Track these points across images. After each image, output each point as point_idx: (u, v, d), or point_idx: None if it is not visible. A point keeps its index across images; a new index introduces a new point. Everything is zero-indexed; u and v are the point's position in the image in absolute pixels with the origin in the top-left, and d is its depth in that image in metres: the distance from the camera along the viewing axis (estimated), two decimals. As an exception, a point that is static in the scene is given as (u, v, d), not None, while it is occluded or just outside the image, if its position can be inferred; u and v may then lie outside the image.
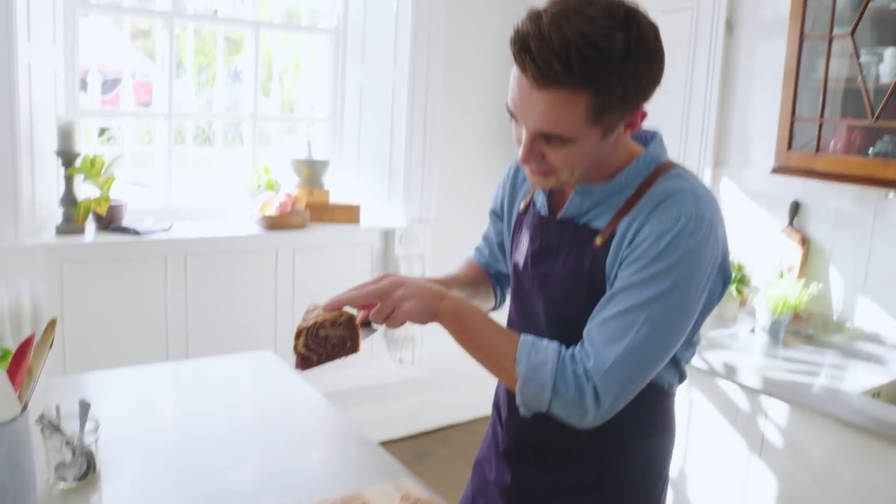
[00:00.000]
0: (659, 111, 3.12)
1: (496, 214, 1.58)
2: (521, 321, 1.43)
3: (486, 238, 1.66)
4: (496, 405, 1.55)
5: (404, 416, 3.81)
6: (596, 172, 1.26)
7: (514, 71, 1.14)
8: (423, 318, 1.23)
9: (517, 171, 1.51)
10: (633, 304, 1.17)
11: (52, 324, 1.23)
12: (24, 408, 1.19)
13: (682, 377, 1.39)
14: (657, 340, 1.19)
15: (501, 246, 1.61)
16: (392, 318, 1.23)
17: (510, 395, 1.41)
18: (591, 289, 1.25)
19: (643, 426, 1.36)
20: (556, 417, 1.21)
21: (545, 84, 1.10)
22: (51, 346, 1.26)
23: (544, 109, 1.12)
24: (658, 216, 1.18)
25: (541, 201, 1.37)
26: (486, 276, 1.63)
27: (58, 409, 1.35)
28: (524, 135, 1.18)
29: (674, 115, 3.11)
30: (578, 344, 1.22)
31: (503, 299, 1.66)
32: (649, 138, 1.31)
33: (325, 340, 1.28)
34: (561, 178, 1.22)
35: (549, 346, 1.20)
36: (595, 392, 1.17)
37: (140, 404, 1.81)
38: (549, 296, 1.32)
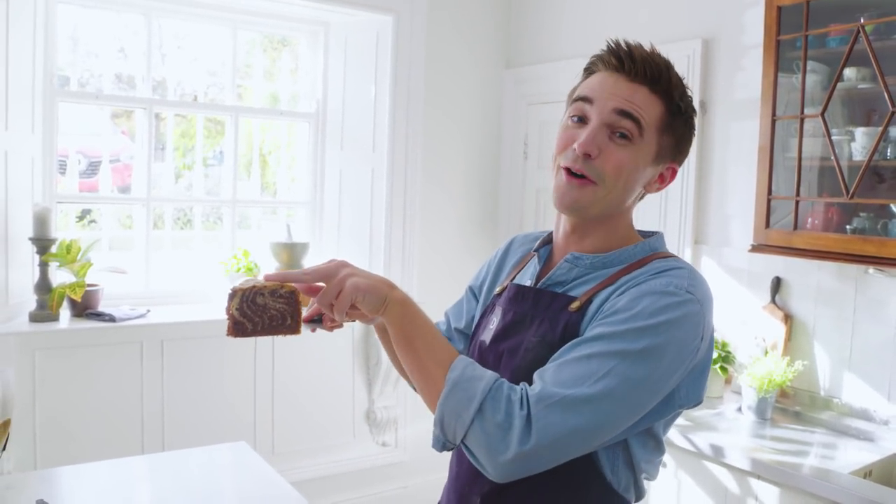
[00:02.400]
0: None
1: (473, 292, 1.53)
2: None
3: (448, 315, 1.58)
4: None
5: (387, 501, 3.70)
6: (600, 238, 1.26)
7: (593, 78, 1.25)
8: (370, 302, 1.13)
9: (505, 253, 1.49)
10: (601, 351, 1.09)
11: (4, 424, 1.19)
12: (-21, 512, 1.14)
13: (639, 492, 1.27)
14: (617, 400, 1.07)
15: (468, 325, 1.51)
16: (339, 300, 1.12)
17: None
18: None
19: None
20: (469, 452, 1.08)
21: (639, 79, 1.20)
22: (4, 447, 1.20)
23: (631, 95, 1.20)
24: (637, 279, 1.17)
25: (532, 273, 1.33)
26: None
27: (17, 511, 1.29)
28: (591, 125, 1.20)
29: (652, 194, 3.12)
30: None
31: None
32: (652, 234, 1.33)
33: (262, 309, 1.19)
34: (597, 193, 1.21)
35: (489, 371, 1.12)
36: (527, 423, 1.04)
37: (110, 501, 1.74)
38: (515, 368, 1.24)
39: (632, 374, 1.08)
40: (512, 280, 1.39)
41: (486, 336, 1.34)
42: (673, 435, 2.37)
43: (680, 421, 2.47)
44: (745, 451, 2.23)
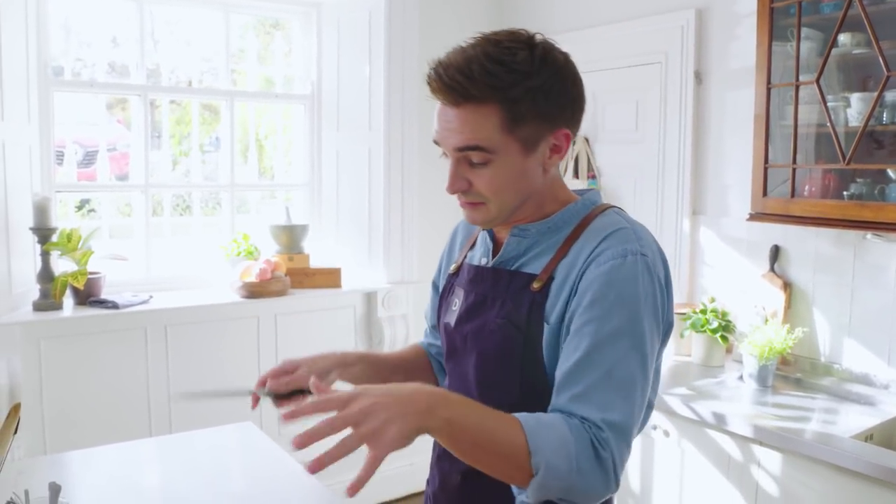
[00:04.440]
0: (634, 163, 3.17)
1: (436, 287, 1.54)
2: (454, 386, 1.36)
3: (426, 315, 1.61)
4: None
5: (393, 479, 3.73)
6: (533, 211, 1.26)
7: (436, 112, 1.20)
8: (410, 440, 1.03)
9: (453, 239, 1.51)
10: (618, 358, 1.12)
11: (15, 408, 1.20)
12: (-8, 495, 1.15)
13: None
14: (644, 383, 1.15)
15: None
16: (375, 448, 1.02)
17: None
18: (527, 336, 1.21)
19: None
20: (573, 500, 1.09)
21: (456, 100, 1.16)
22: (15, 431, 1.22)
23: (460, 125, 1.17)
24: (598, 257, 1.18)
25: (484, 252, 1.34)
26: (424, 359, 1.57)
27: (27, 493, 1.31)
28: (450, 166, 1.21)
29: (649, 166, 3.14)
30: (565, 400, 1.13)
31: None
32: (587, 191, 1.33)
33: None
34: (492, 209, 1.23)
35: (555, 421, 1.09)
36: (613, 462, 1.08)
37: (121, 482, 1.76)
38: (481, 349, 1.27)
39: (643, 353, 1.15)
40: (464, 259, 1.40)
41: (451, 318, 1.36)
42: (675, 404, 2.39)
43: (682, 390, 2.49)
44: (747, 418, 2.25)
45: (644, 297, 1.16)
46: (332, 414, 1.02)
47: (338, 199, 3.78)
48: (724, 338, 2.74)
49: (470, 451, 1.07)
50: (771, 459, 2.18)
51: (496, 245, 1.34)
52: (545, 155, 1.22)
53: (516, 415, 1.09)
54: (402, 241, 3.62)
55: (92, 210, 3.71)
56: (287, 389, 1.33)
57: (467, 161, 1.20)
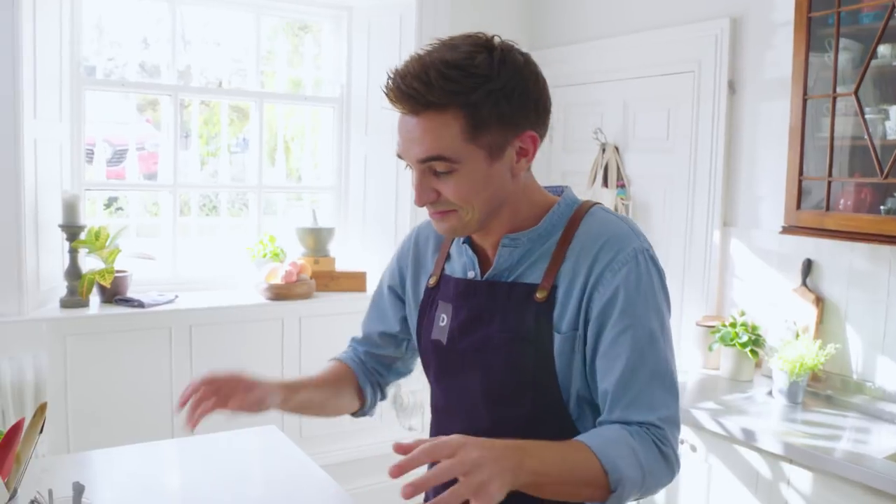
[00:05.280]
0: (665, 173, 3.13)
1: (395, 292, 1.50)
2: (451, 403, 1.34)
3: (369, 321, 1.56)
4: None
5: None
6: (510, 218, 1.24)
7: (397, 119, 1.18)
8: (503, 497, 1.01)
9: (416, 246, 1.46)
10: (638, 347, 1.16)
11: (41, 408, 1.20)
12: (14, 494, 1.15)
13: None
14: (668, 358, 1.20)
15: (397, 327, 1.50)
16: (481, 502, 0.97)
17: None
18: (537, 348, 1.20)
19: None
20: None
21: (415, 108, 1.14)
22: (41, 430, 1.21)
23: (421, 134, 1.14)
24: (611, 263, 1.18)
25: (468, 264, 1.31)
26: (349, 378, 1.54)
27: (50, 493, 1.30)
28: (415, 178, 1.19)
29: (680, 175, 3.10)
30: (620, 411, 1.16)
31: (374, 402, 1.57)
32: (561, 191, 1.32)
33: None
34: (463, 216, 1.20)
35: (620, 434, 1.12)
36: (674, 453, 1.16)
37: (143, 482, 1.75)
38: (487, 365, 1.24)
39: (671, 342, 1.22)
40: (442, 272, 1.37)
41: (441, 335, 1.33)
42: (703, 418, 2.35)
43: (710, 405, 2.46)
44: (776, 434, 2.20)
45: (659, 290, 1.21)
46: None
47: (364, 202, 3.78)
48: (753, 352, 2.70)
49: (553, 491, 1.07)
50: (801, 478, 2.13)
51: (479, 256, 1.31)
52: (512, 160, 1.20)
53: (579, 438, 1.11)
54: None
55: (120, 208, 3.74)
56: (256, 410, 1.34)
57: (432, 171, 1.17)
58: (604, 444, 1.09)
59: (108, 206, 3.70)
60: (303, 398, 1.42)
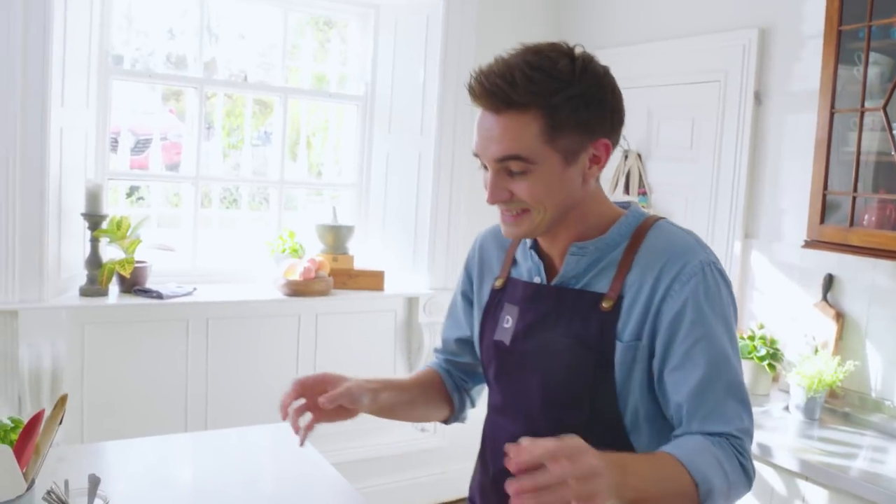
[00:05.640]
0: (687, 182, 3.11)
1: (467, 298, 1.52)
2: (508, 403, 1.36)
3: (446, 329, 1.58)
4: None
5: (425, 486, 3.71)
6: (577, 224, 1.26)
7: (477, 121, 1.22)
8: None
9: (482, 252, 1.48)
10: (712, 358, 1.18)
11: (62, 400, 1.20)
12: (31, 485, 1.16)
13: None
14: (738, 370, 1.22)
15: (472, 332, 1.51)
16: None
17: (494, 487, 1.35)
18: (599, 356, 1.22)
19: None
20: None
21: (497, 107, 1.17)
22: (60, 422, 1.22)
23: (500, 133, 1.17)
24: (679, 276, 1.19)
25: (533, 269, 1.33)
26: (438, 381, 1.56)
27: (66, 483, 1.31)
28: (490, 176, 1.22)
29: (702, 185, 3.08)
30: (699, 421, 1.17)
31: (463, 408, 1.58)
32: (627, 205, 1.34)
33: None
34: (534, 218, 1.22)
35: (708, 447, 1.13)
36: (750, 464, 1.18)
37: (155, 476, 1.77)
38: (548, 368, 1.27)
39: (739, 355, 1.24)
40: (508, 276, 1.39)
41: (504, 336, 1.35)
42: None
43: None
44: (792, 451, 2.19)
45: (727, 303, 1.22)
46: None
47: (385, 201, 3.78)
48: (771, 366, 2.68)
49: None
50: (816, 496, 2.11)
51: (545, 262, 1.33)
52: (585, 165, 1.22)
53: (665, 449, 1.13)
54: (447, 248, 3.61)
55: (141, 198, 3.76)
56: (333, 406, 1.32)
57: (507, 171, 1.20)
58: (691, 455, 1.10)
59: (129, 195, 3.73)
60: (388, 398, 1.42)
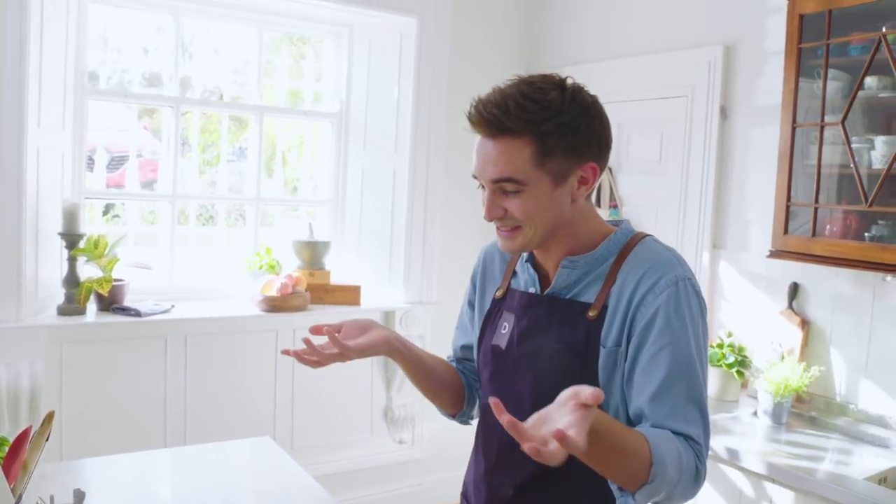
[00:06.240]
0: (657, 195, 3.19)
1: (471, 304, 1.62)
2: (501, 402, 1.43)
3: (455, 338, 1.67)
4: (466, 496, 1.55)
5: (404, 498, 3.74)
6: (568, 240, 1.37)
7: (476, 145, 1.32)
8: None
9: (484, 264, 1.60)
10: (675, 363, 1.25)
11: (49, 417, 1.23)
12: (19, 500, 1.18)
13: None
14: (702, 382, 1.29)
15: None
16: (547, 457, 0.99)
17: (487, 482, 1.44)
18: (585, 360, 1.32)
19: None
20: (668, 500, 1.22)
21: (493, 133, 1.28)
22: (47, 438, 1.25)
23: (496, 157, 1.28)
24: (654, 287, 1.29)
25: (529, 281, 1.44)
26: (454, 372, 1.64)
27: (52, 499, 1.34)
28: (486, 195, 1.33)
29: (671, 197, 3.15)
30: (661, 418, 1.24)
31: (472, 406, 1.64)
32: (619, 223, 1.44)
33: None
34: (526, 234, 1.33)
35: (669, 436, 1.21)
36: (703, 468, 1.24)
37: (137, 491, 1.79)
38: (538, 370, 1.37)
39: (705, 368, 1.31)
40: (508, 287, 1.50)
41: (500, 341, 1.45)
42: (688, 438, 2.39)
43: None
44: (760, 454, 2.25)
45: (698, 317, 1.31)
46: None
47: (361, 216, 3.82)
48: (739, 373, 2.75)
49: (602, 457, 1.10)
50: (783, 498, 2.18)
51: (540, 274, 1.43)
52: (573, 186, 1.32)
53: (638, 428, 1.22)
54: (422, 262, 3.66)
55: (117, 216, 3.77)
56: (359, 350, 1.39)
57: (502, 191, 1.31)
58: (657, 439, 1.17)
59: (105, 213, 3.73)
60: (418, 354, 1.52)
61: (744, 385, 2.84)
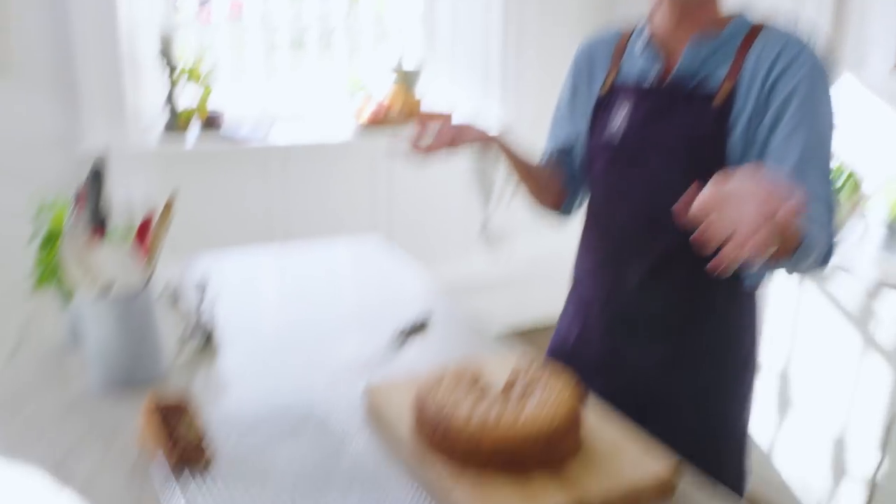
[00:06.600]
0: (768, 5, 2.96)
1: (570, 104, 1.54)
2: (612, 199, 1.41)
3: (547, 140, 1.63)
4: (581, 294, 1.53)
5: (500, 315, 3.77)
6: (704, 21, 1.30)
7: None
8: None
9: (588, 59, 1.50)
10: (810, 144, 1.21)
11: (169, 204, 1.26)
12: (149, 282, 1.24)
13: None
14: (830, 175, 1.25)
15: (574, 138, 1.55)
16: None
17: (613, 276, 1.41)
18: (710, 151, 1.26)
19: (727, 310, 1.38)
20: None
21: None
22: (168, 225, 1.28)
23: None
24: (794, 61, 1.23)
25: (648, 66, 1.36)
26: (557, 175, 1.60)
27: (177, 287, 1.40)
28: None
29: (784, 8, 2.94)
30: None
31: (575, 194, 1.60)
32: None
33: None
34: None
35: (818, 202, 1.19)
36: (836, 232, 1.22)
37: (255, 285, 1.86)
38: (655, 163, 1.31)
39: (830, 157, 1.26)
40: (615, 78, 1.42)
41: (615, 134, 1.38)
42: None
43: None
44: (874, 263, 2.21)
45: (831, 100, 1.25)
46: None
47: (453, 39, 3.70)
48: (851, 192, 2.63)
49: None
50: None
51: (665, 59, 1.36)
52: None
53: None
54: (516, 82, 3.56)
55: (209, 46, 3.75)
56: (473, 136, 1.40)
57: None
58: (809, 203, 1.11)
59: (198, 43, 3.72)
60: (523, 149, 1.51)
61: (853, 206, 2.72)
